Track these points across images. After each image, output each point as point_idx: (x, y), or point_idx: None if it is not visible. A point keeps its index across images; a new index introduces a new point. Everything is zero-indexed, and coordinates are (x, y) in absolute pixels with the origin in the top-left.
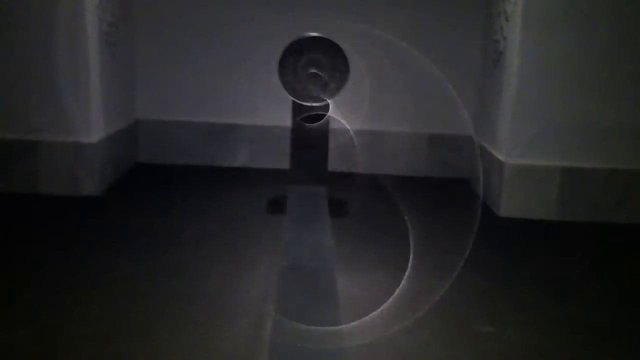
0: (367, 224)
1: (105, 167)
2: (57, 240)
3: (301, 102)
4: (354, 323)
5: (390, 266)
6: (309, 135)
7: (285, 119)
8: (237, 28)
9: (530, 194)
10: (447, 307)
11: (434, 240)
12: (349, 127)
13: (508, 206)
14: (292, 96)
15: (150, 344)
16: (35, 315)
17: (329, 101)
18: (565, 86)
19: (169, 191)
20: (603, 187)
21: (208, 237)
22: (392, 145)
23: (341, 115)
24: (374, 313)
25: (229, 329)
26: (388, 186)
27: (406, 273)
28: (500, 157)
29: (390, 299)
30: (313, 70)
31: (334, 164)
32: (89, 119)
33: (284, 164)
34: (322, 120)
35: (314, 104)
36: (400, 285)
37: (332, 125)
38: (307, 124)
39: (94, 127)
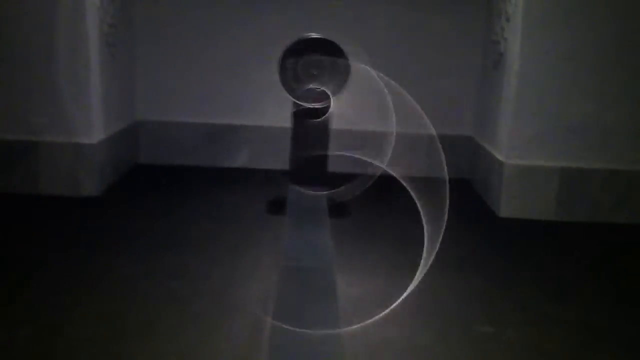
0: (367, 223)
1: (105, 167)
2: (57, 241)
3: (301, 103)
4: (354, 324)
5: (390, 266)
6: (309, 136)
7: (285, 120)
8: (237, 29)
9: (530, 194)
10: (447, 307)
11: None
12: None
13: (508, 206)
14: (292, 97)
15: (150, 344)
16: (35, 315)
17: (328, 102)
18: (565, 86)
19: (169, 192)
20: (603, 187)
21: (208, 237)
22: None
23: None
24: (374, 313)
25: (229, 329)
26: (388, 186)
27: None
28: (500, 157)
29: (390, 300)
30: (313, 71)
31: (338, 165)
32: (89, 119)
33: (284, 164)
34: (323, 118)
35: (314, 105)
36: (400, 285)
37: (332, 126)
38: (308, 120)
39: (94, 128)
